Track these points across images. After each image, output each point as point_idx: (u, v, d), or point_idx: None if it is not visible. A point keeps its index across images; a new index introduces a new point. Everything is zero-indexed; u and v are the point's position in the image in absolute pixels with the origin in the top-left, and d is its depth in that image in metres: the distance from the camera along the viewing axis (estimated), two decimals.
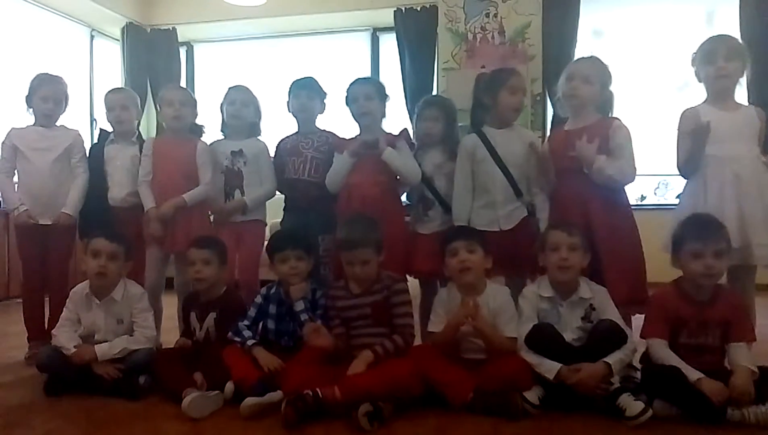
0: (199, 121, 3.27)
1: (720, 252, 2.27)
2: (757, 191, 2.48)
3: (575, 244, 2.40)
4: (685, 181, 2.67)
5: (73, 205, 3.14)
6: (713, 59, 2.56)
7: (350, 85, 2.97)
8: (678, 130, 2.64)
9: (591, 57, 2.74)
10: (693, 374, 2.17)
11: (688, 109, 2.65)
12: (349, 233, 2.50)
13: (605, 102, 2.70)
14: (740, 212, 2.45)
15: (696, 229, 2.31)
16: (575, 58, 5.29)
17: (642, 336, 2.38)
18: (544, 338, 2.32)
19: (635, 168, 2.61)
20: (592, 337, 2.33)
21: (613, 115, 2.69)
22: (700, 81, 2.64)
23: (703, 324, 2.30)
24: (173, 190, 3.04)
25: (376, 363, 2.32)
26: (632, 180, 2.64)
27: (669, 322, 2.32)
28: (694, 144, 2.53)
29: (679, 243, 2.35)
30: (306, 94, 3.11)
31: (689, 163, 2.58)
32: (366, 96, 2.91)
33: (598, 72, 2.67)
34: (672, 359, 2.25)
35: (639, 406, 2.10)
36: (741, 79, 2.61)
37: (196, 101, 3.26)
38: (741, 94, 2.67)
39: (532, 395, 2.23)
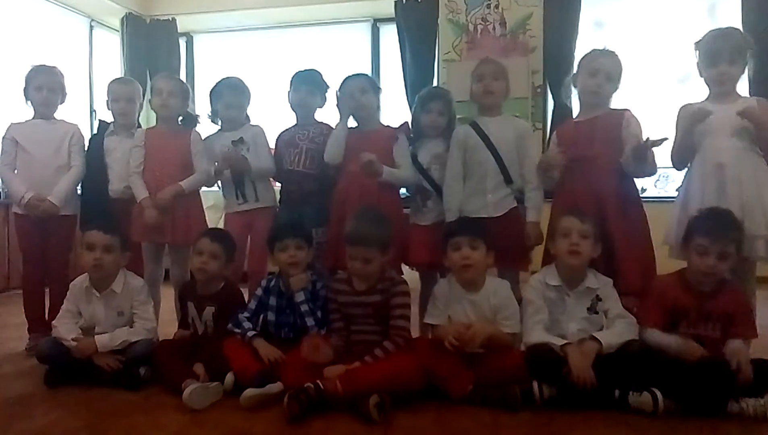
0: (197, 112, 3.27)
1: (725, 254, 2.26)
2: (739, 182, 2.45)
3: (586, 232, 2.39)
4: (684, 173, 2.67)
5: (58, 195, 3.10)
6: (716, 61, 2.53)
7: (342, 83, 2.98)
8: (676, 125, 2.64)
9: (610, 52, 2.71)
10: (685, 344, 2.23)
11: (687, 104, 2.64)
12: (356, 228, 2.46)
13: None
14: (717, 203, 2.42)
15: (706, 226, 2.28)
16: (576, 49, 5.43)
17: (639, 322, 2.38)
18: (544, 362, 2.27)
19: None
20: (620, 354, 2.27)
21: (623, 108, 2.68)
22: (701, 75, 2.62)
23: (704, 315, 2.30)
24: (169, 181, 3.04)
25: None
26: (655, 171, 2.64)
27: (668, 311, 2.33)
28: (687, 128, 2.53)
29: (689, 235, 2.33)
30: (306, 89, 3.09)
31: (678, 153, 2.59)
32: (361, 90, 2.92)
33: (619, 69, 2.68)
34: (666, 339, 2.27)
35: (648, 399, 2.13)
36: (743, 76, 2.58)
37: (187, 91, 3.25)
38: (742, 88, 2.65)
39: (547, 391, 2.23)
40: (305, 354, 2.33)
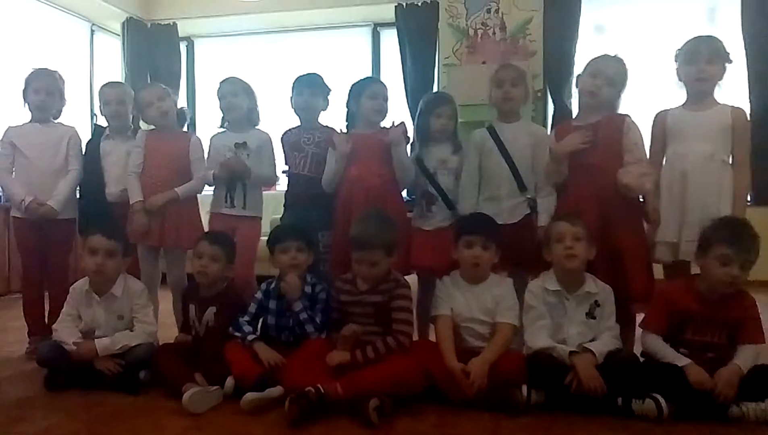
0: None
1: (747, 263, 2.23)
2: (701, 188, 2.46)
3: (579, 234, 2.40)
4: None
5: (58, 199, 3.10)
6: (695, 60, 2.54)
7: (369, 83, 3.00)
8: (651, 133, 2.67)
9: (617, 57, 2.72)
10: (681, 361, 2.20)
11: (660, 112, 2.66)
12: (362, 232, 2.46)
13: (616, 102, 2.71)
14: (681, 209, 2.44)
15: (729, 235, 2.25)
16: (576, 54, 5.45)
17: (641, 326, 2.39)
18: (546, 369, 2.29)
19: None
20: (609, 364, 2.26)
21: (621, 113, 2.68)
22: (680, 80, 2.63)
23: (710, 322, 2.28)
24: (164, 185, 3.03)
25: (354, 364, 2.30)
26: None
27: (673, 317, 2.31)
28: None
29: (707, 244, 2.29)
30: (309, 92, 3.09)
31: (651, 158, 2.62)
32: (385, 97, 2.97)
33: (622, 75, 2.68)
34: (663, 350, 2.27)
35: (653, 406, 2.13)
36: (720, 82, 2.58)
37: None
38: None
39: (534, 396, 2.23)
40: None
